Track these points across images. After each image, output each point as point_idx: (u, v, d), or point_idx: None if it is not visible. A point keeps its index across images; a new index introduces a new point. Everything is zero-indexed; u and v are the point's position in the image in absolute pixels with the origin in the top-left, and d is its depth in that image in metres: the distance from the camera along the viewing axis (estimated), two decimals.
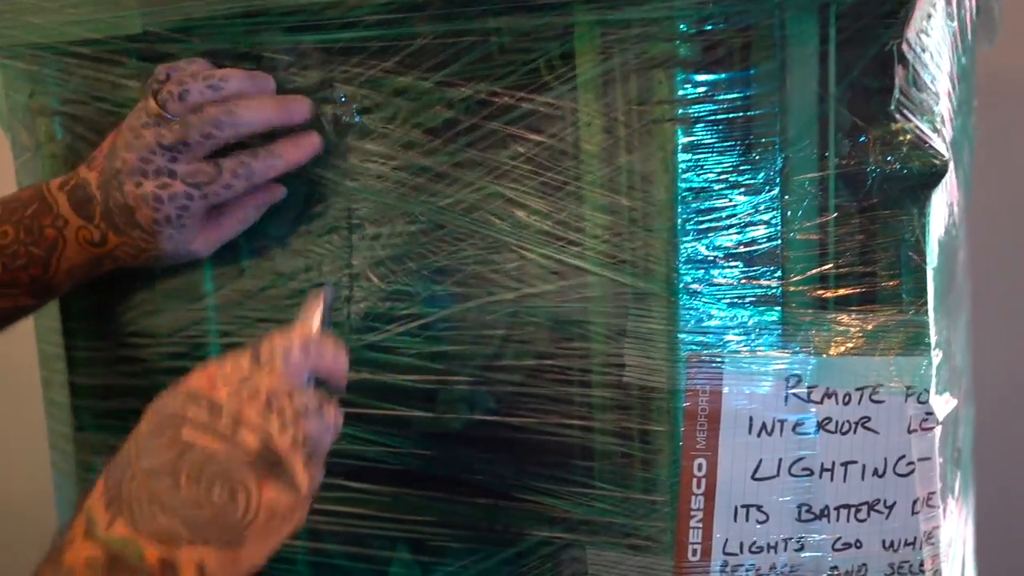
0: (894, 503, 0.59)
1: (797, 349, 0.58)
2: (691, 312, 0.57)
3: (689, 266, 0.57)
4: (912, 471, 0.58)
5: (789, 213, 0.57)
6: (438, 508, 0.65)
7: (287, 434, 0.50)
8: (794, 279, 0.58)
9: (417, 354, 0.64)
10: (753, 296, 0.58)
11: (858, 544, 0.59)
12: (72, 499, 0.80)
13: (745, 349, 0.58)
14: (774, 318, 0.58)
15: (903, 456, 0.59)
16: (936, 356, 0.58)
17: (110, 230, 0.64)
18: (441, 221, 0.62)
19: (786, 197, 0.57)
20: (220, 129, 0.61)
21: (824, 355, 0.58)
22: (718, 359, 0.57)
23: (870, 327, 0.58)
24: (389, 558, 0.68)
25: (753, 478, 0.58)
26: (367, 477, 0.66)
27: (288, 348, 0.52)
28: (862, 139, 0.57)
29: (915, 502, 0.59)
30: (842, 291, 0.59)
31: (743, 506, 0.58)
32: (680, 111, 0.56)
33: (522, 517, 0.63)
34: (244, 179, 0.63)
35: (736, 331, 0.58)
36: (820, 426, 0.58)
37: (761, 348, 0.58)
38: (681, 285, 0.57)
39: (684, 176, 0.57)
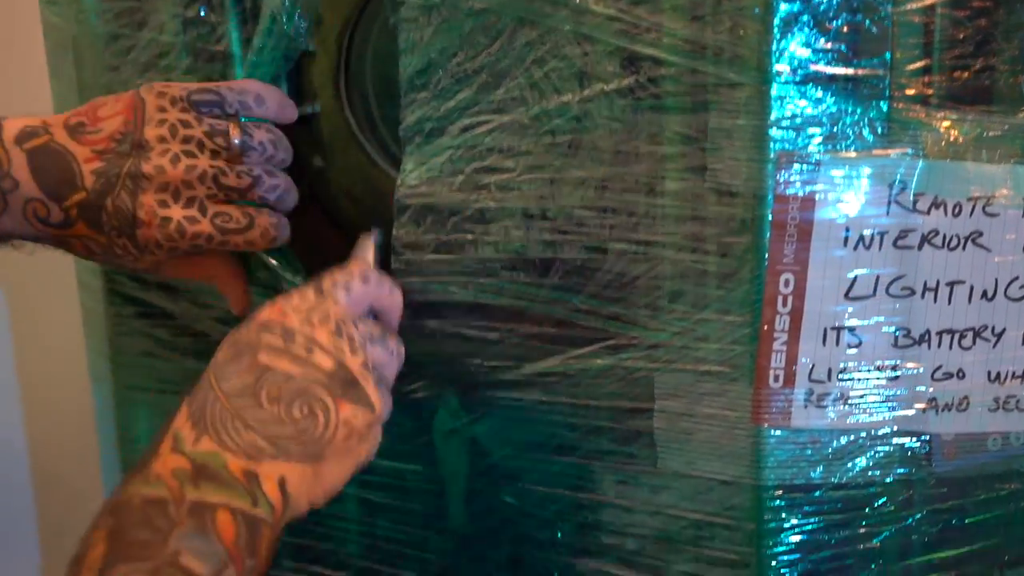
0: (1003, 330, 0.53)
1: (903, 151, 0.51)
2: (784, 105, 0.50)
3: (782, 52, 0.50)
4: None
5: None
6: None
7: (358, 356, 0.52)
8: (903, 70, 0.51)
9: None
10: (855, 89, 0.50)
11: (960, 374, 0.53)
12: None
13: (844, 150, 0.51)
14: (878, 115, 0.51)
15: (1016, 278, 0.53)
16: None
17: (84, 222, 0.58)
18: None
19: None
20: (279, 204, 0.62)
21: (933, 159, 0.51)
22: (812, 160, 0.50)
23: (988, 132, 0.51)
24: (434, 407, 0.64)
25: (846, 297, 0.52)
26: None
27: (349, 280, 0.55)
28: None
29: None
30: (957, 86, 0.51)
31: (833, 328, 0.52)
32: None
33: (586, 341, 0.57)
34: (272, 231, 0.61)
35: (834, 129, 0.51)
36: (925, 240, 0.51)
37: (862, 149, 0.51)
38: (773, 73, 0.50)
39: None
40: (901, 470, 0.54)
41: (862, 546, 0.56)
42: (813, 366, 0.52)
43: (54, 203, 0.58)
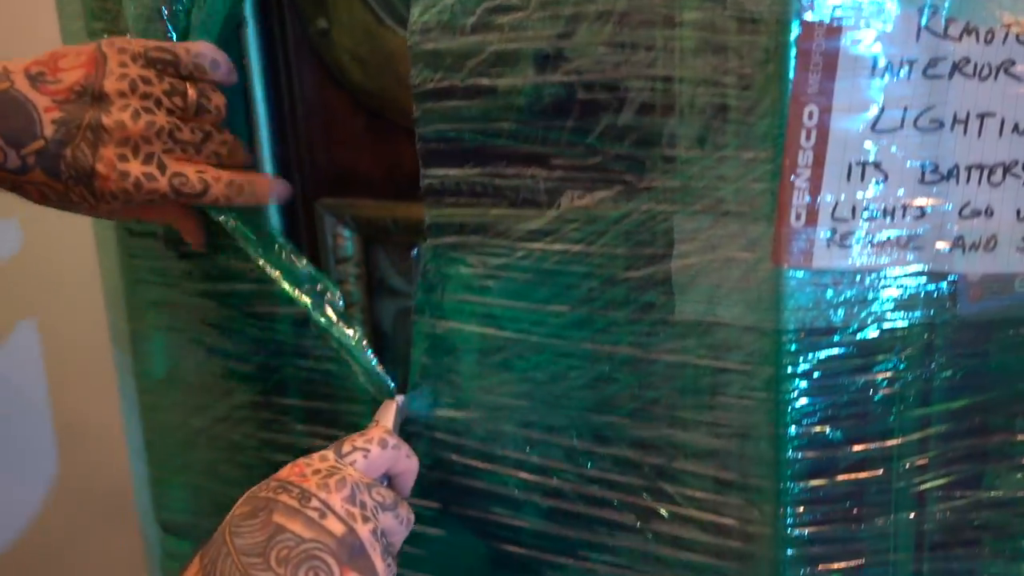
0: None
1: None
2: None
3: None
4: None
5: None
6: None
7: (369, 525, 0.53)
8: None
9: None
10: None
11: (988, 212, 0.52)
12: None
13: None
14: None
15: None
16: None
17: (41, 169, 0.59)
18: None
19: None
20: (229, 159, 0.65)
21: None
22: None
23: None
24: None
25: (873, 130, 0.50)
26: None
27: (368, 445, 0.57)
28: None
29: None
30: None
31: (859, 163, 0.50)
32: None
33: (604, 184, 0.56)
34: (222, 201, 0.63)
35: None
36: (955, 68, 0.49)
37: None
38: None
39: None
40: (924, 313, 0.53)
41: (882, 392, 0.55)
42: (837, 204, 0.51)
43: (12, 149, 0.58)
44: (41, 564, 1.31)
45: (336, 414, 0.73)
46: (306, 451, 0.74)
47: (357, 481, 0.55)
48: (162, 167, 0.60)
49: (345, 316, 0.69)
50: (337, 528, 0.52)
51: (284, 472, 0.55)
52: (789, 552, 0.56)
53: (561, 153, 0.56)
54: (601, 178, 0.56)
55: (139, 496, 0.86)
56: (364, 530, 0.53)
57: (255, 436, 0.75)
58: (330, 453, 0.56)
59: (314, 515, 0.52)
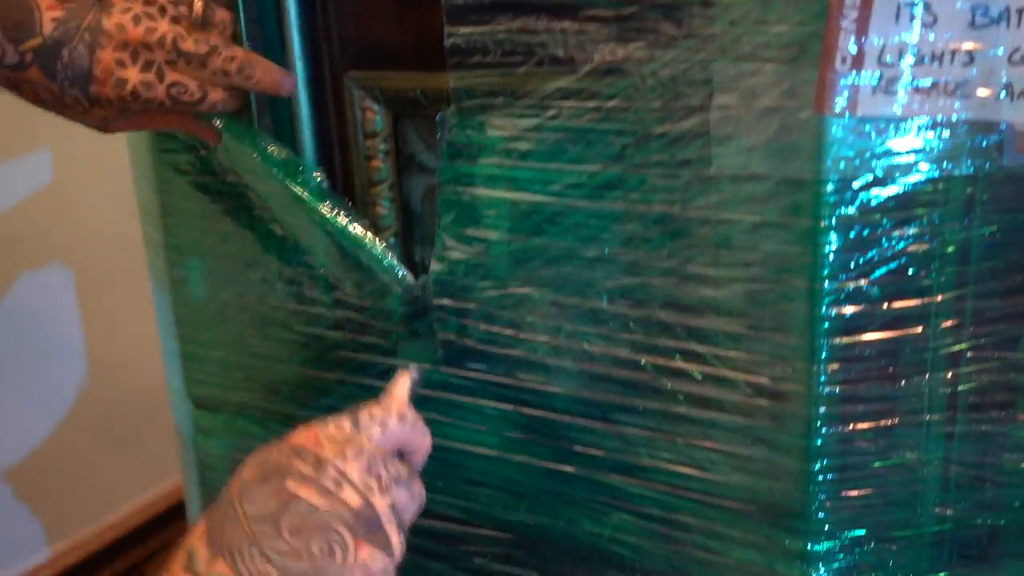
0: None
1: None
2: None
3: None
4: None
5: None
6: None
7: (386, 498, 0.51)
8: None
9: None
10: None
11: None
12: None
13: None
14: None
15: None
16: None
17: (38, 67, 0.57)
18: None
19: None
20: (237, 75, 0.61)
21: None
22: None
23: None
24: None
25: None
26: None
27: (387, 418, 0.55)
28: None
29: None
30: None
31: (907, 4, 0.48)
32: None
33: (641, 33, 0.54)
34: (220, 106, 0.62)
35: None
36: None
37: None
38: None
39: None
40: (968, 164, 0.52)
41: (921, 248, 0.54)
42: (884, 47, 0.49)
43: (10, 44, 0.57)
44: (78, 456, 1.34)
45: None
46: (334, 326, 0.74)
47: (374, 452, 0.52)
48: (161, 75, 0.59)
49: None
50: (354, 500, 0.50)
51: (298, 437, 0.52)
52: (822, 410, 0.56)
53: (593, 3, 0.55)
54: (636, 28, 0.54)
55: (170, 373, 0.87)
56: (381, 503, 0.51)
57: (284, 308, 0.75)
58: (345, 422, 0.54)
59: (330, 484, 0.50)
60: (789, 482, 0.58)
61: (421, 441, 0.57)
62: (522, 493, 0.69)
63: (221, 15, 0.62)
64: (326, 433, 0.52)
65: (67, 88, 0.58)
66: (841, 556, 0.59)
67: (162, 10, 0.59)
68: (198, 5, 0.60)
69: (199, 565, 0.48)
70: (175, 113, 0.65)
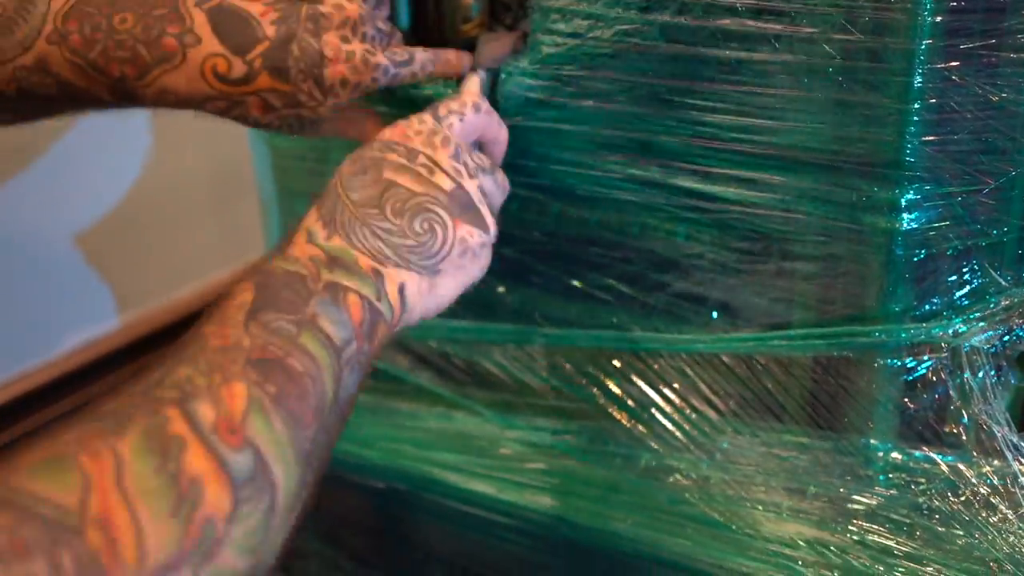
0: None
1: None
2: None
3: None
4: None
5: None
6: None
7: (475, 181, 0.55)
8: None
9: None
10: None
11: None
12: None
13: None
14: None
15: None
16: None
17: (268, 71, 0.58)
18: None
19: None
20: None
21: None
22: None
23: None
24: None
25: None
26: None
27: (463, 109, 0.58)
28: None
29: None
30: None
31: None
32: None
33: None
34: (429, 66, 0.63)
35: None
36: None
37: None
38: None
39: None
40: None
41: None
42: None
43: (237, 57, 0.58)
44: (153, 227, 1.36)
45: None
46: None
47: (459, 142, 0.56)
48: (378, 44, 0.61)
49: None
50: (446, 183, 0.54)
51: (386, 133, 0.56)
52: (925, 44, 0.55)
53: None
54: None
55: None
56: (472, 185, 0.55)
57: None
58: (427, 116, 0.57)
59: (423, 171, 0.54)
60: (884, 126, 0.58)
61: (498, 131, 0.61)
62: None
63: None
64: (412, 127, 0.56)
65: (300, 83, 0.59)
66: (930, 206, 0.59)
67: None
68: None
69: (319, 239, 0.51)
70: (372, 119, 0.66)
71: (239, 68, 0.58)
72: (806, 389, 0.65)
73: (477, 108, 0.59)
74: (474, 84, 0.63)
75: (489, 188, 0.57)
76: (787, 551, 0.63)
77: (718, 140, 0.62)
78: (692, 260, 0.67)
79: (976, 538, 0.61)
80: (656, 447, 0.70)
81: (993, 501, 0.61)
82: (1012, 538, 0.60)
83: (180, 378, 0.41)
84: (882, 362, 0.62)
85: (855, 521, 0.63)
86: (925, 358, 0.62)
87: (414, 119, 0.56)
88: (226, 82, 0.58)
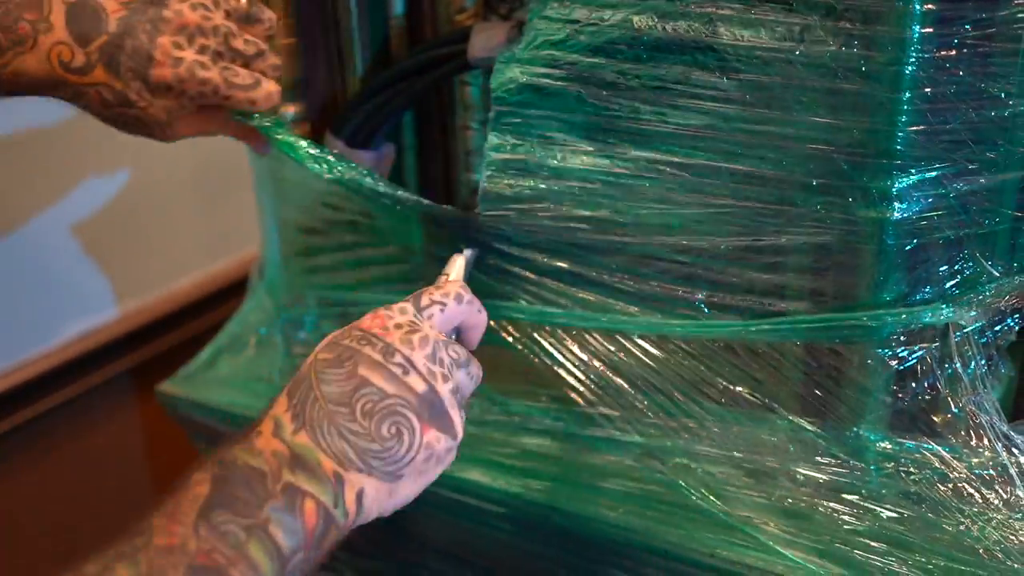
0: None
1: None
2: None
3: None
4: None
5: None
6: None
7: (448, 384, 0.55)
8: None
9: None
10: None
11: None
12: None
13: None
14: None
15: None
16: None
17: (103, 65, 0.61)
18: None
19: None
20: (274, 75, 0.66)
21: None
22: None
23: None
24: None
25: None
26: None
27: (445, 300, 0.58)
28: None
29: None
30: None
31: None
32: None
33: None
34: (274, 98, 0.64)
35: None
36: None
37: None
38: None
39: None
40: None
41: None
42: None
43: (79, 47, 0.61)
44: (153, 218, 1.36)
45: None
46: None
47: (437, 339, 0.55)
48: (214, 59, 0.62)
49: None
50: (419, 386, 0.53)
51: (366, 322, 0.55)
52: (916, 31, 0.55)
53: None
54: None
55: None
56: (444, 388, 0.54)
57: None
58: (408, 306, 0.57)
59: (397, 371, 0.53)
60: (876, 115, 0.58)
61: (477, 319, 0.61)
62: None
63: (268, 14, 0.67)
64: (392, 320, 0.56)
65: (129, 80, 0.61)
66: (921, 196, 0.59)
67: (216, 3, 0.63)
68: (243, 1, 0.65)
69: (285, 434, 0.51)
70: (223, 116, 0.67)
71: (80, 58, 0.61)
72: (797, 378, 0.65)
73: (459, 299, 0.59)
74: (458, 265, 0.64)
75: (462, 383, 0.57)
76: (777, 539, 0.63)
77: (712, 129, 0.62)
78: (685, 249, 0.67)
79: (966, 526, 0.61)
80: (648, 434, 0.70)
81: (983, 490, 0.61)
82: (1002, 526, 0.60)
83: None
84: (873, 351, 0.62)
85: (845, 509, 0.63)
86: (916, 347, 0.62)
87: (395, 309, 0.56)
88: (68, 70, 0.61)
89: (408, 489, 0.54)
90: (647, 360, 0.70)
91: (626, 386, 0.70)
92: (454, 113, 0.82)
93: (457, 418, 0.55)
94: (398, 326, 0.55)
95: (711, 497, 0.66)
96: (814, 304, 0.64)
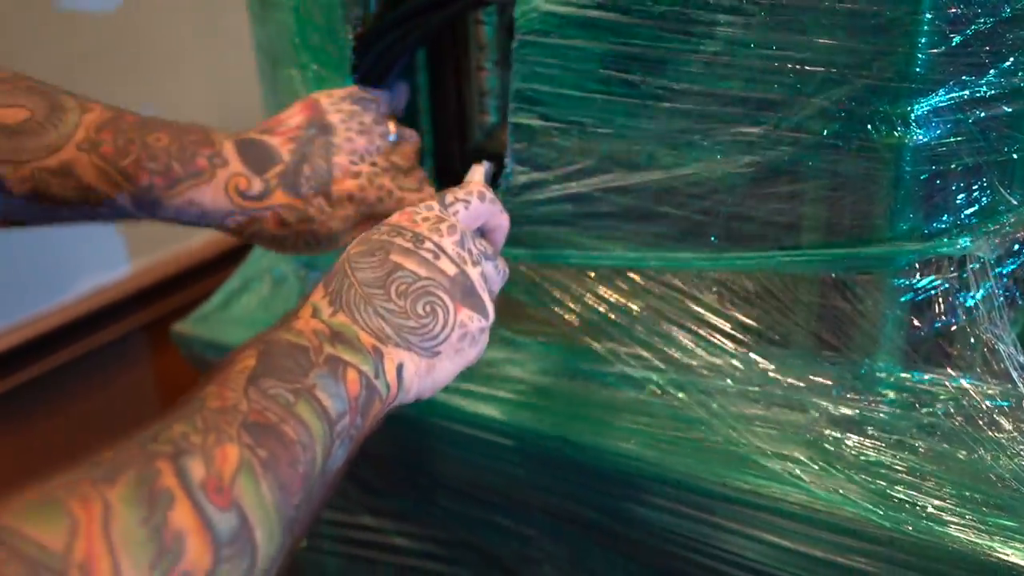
0: None
1: None
2: None
3: None
4: None
5: None
6: None
7: (477, 267, 0.57)
8: None
9: None
10: None
11: None
12: None
13: None
14: None
15: None
16: None
17: (283, 188, 0.65)
18: None
19: None
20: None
21: None
22: None
23: None
24: None
25: None
26: None
27: (469, 197, 0.60)
28: None
29: None
30: None
31: None
32: None
33: None
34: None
35: None
36: None
37: None
38: None
39: None
40: None
41: None
42: None
43: (255, 176, 0.65)
44: None
45: None
46: None
47: (464, 229, 0.58)
48: (382, 174, 0.68)
49: None
50: (450, 268, 0.55)
51: (395, 218, 0.58)
52: None
53: None
54: None
55: None
56: (474, 272, 0.56)
57: None
58: (434, 203, 0.59)
59: (428, 256, 0.55)
60: (895, 37, 0.57)
61: (500, 218, 0.63)
62: None
63: (409, 132, 0.72)
64: (420, 214, 0.58)
65: (311, 198, 0.66)
66: (940, 122, 0.58)
67: (371, 130, 0.69)
68: (392, 127, 0.71)
69: (324, 315, 0.53)
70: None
71: (257, 185, 0.65)
72: (813, 310, 0.65)
73: (482, 197, 0.61)
74: (479, 173, 0.67)
75: (490, 274, 0.58)
76: (790, 468, 0.63)
77: (730, 55, 0.61)
78: (701, 182, 0.66)
79: (979, 455, 0.60)
80: (661, 370, 0.70)
81: (998, 420, 0.61)
82: (1017, 456, 0.60)
83: (175, 434, 0.42)
84: (889, 281, 0.62)
85: (859, 439, 0.63)
86: (932, 277, 0.61)
87: (422, 206, 0.59)
88: (245, 197, 0.65)
89: (446, 368, 0.55)
90: (659, 296, 0.70)
91: (638, 324, 0.70)
92: (468, 54, 0.81)
93: (488, 300, 0.57)
94: (425, 219, 0.57)
95: (725, 429, 0.66)
96: (830, 234, 0.63)
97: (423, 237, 0.56)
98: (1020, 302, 0.63)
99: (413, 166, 0.71)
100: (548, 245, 0.73)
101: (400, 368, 0.53)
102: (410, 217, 0.57)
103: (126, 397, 1.34)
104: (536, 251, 0.73)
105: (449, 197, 0.60)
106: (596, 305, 0.72)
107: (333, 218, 0.67)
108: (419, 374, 0.54)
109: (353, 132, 0.68)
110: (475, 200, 0.60)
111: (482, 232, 0.63)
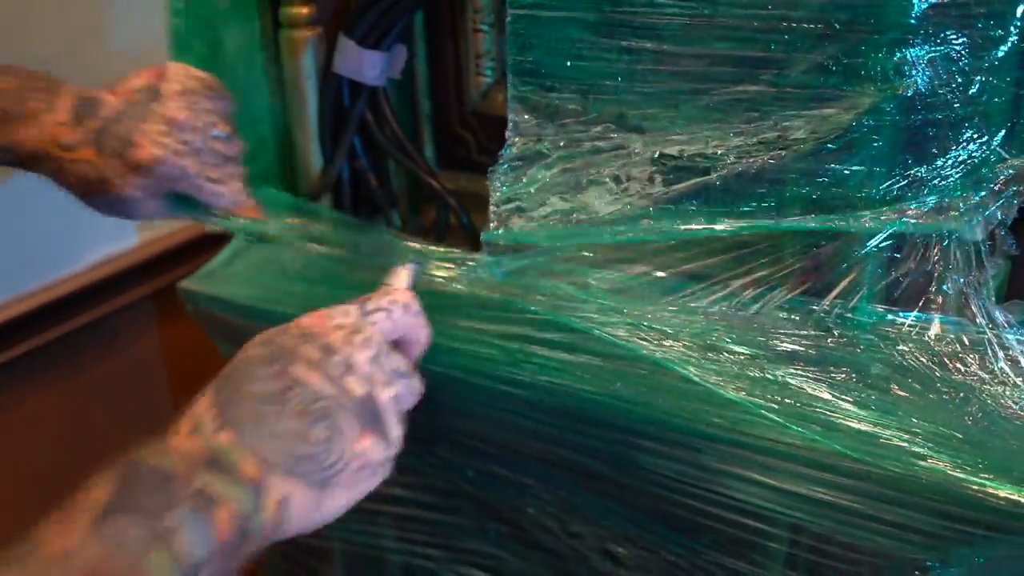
0: None
1: None
2: None
3: None
4: None
5: None
6: None
7: (389, 390, 0.51)
8: None
9: None
10: None
11: None
12: None
13: None
14: None
15: None
16: None
17: (92, 145, 0.66)
18: None
19: None
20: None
21: None
22: None
23: None
24: None
25: None
26: None
27: (393, 306, 0.54)
28: None
29: None
30: None
31: None
32: None
33: None
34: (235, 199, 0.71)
35: None
36: None
37: None
38: None
39: None
40: None
41: None
42: None
43: (75, 128, 0.67)
44: None
45: None
46: None
47: (380, 343, 0.52)
48: (196, 154, 0.68)
49: None
50: (358, 388, 0.50)
51: (307, 320, 0.52)
52: None
53: None
54: None
55: None
56: (384, 394, 0.51)
57: None
58: (353, 308, 0.53)
59: (335, 371, 0.50)
60: None
61: (421, 332, 0.57)
62: None
63: (240, 143, 0.72)
64: (334, 320, 0.52)
65: (110, 160, 0.67)
66: (927, 70, 0.59)
67: (205, 117, 0.69)
68: (225, 127, 0.70)
69: (205, 432, 0.47)
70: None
71: (69, 136, 0.67)
72: (794, 253, 0.67)
73: (407, 308, 0.55)
74: (404, 278, 0.60)
75: (403, 395, 0.53)
76: (770, 407, 0.65)
77: (721, 17, 0.62)
78: (692, 142, 0.68)
79: (950, 396, 0.63)
80: (641, 320, 0.71)
81: (971, 364, 0.63)
82: (987, 397, 0.62)
83: None
84: (871, 225, 0.63)
85: (834, 379, 0.65)
86: (915, 221, 0.63)
87: (339, 310, 0.53)
88: (58, 146, 0.67)
89: (337, 500, 0.50)
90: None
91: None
92: (464, 15, 0.83)
93: (395, 428, 0.52)
94: (340, 327, 0.52)
95: (706, 374, 0.68)
96: (815, 187, 0.65)
97: (333, 349, 0.50)
98: (1004, 247, 0.65)
99: (236, 157, 0.71)
100: None
101: (284, 502, 0.47)
102: (323, 323, 0.52)
103: (135, 361, 1.37)
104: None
105: (371, 304, 0.54)
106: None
107: (128, 184, 0.67)
108: (306, 508, 0.48)
109: (179, 105, 0.67)
110: (398, 311, 0.54)
111: (397, 344, 0.56)
